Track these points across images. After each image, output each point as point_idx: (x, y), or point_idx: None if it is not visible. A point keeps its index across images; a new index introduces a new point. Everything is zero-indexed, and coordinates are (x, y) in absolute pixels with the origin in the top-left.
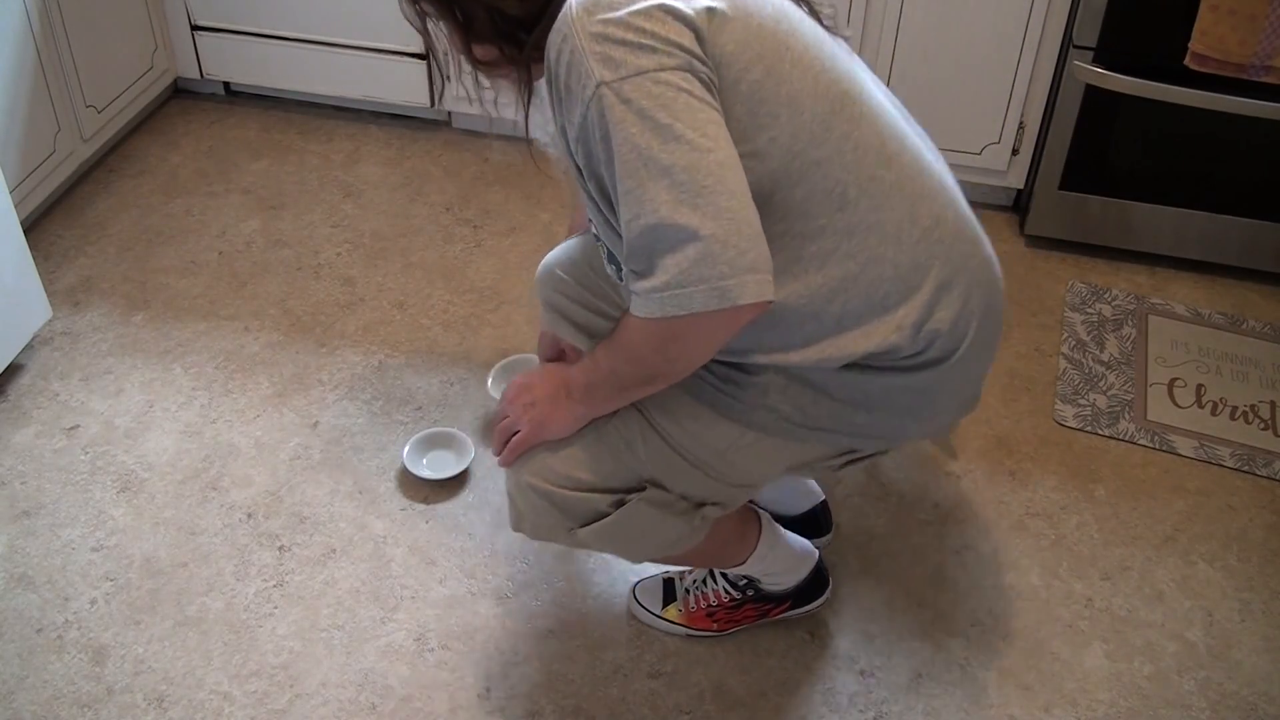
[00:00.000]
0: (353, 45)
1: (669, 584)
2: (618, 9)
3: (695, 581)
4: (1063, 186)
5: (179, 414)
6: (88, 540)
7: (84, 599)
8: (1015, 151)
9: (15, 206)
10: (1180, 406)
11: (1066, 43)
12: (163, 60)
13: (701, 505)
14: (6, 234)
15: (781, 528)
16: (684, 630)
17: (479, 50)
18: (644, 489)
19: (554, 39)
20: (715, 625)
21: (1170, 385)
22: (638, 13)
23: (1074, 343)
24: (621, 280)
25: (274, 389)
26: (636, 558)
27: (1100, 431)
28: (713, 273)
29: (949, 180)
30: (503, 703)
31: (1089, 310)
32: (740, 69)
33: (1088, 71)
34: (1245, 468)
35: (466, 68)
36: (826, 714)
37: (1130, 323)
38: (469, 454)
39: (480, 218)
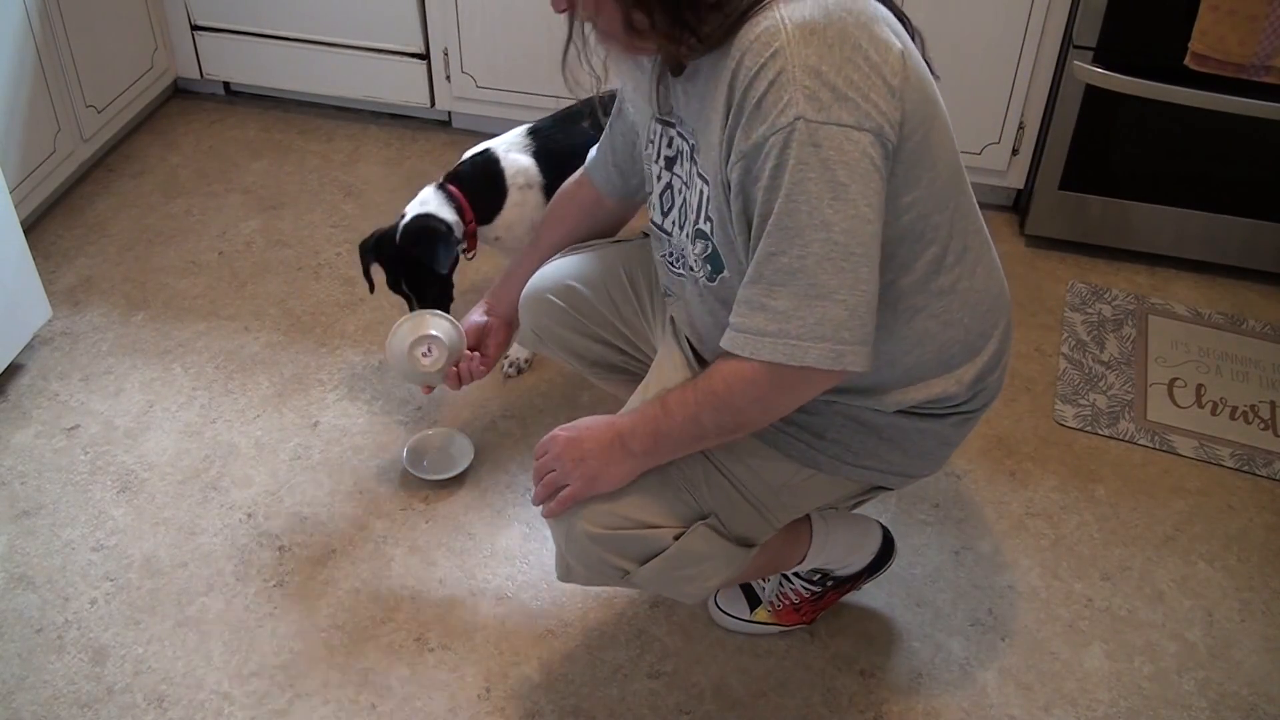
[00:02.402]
0: (353, 45)
1: (747, 588)
2: (833, 46)
3: (774, 587)
4: (1063, 186)
5: (179, 414)
6: (88, 540)
7: (84, 599)
8: (1015, 151)
9: (15, 206)
10: (1180, 406)
11: (1066, 43)
12: (163, 60)
13: (750, 545)
14: (6, 234)
15: (834, 514)
16: (778, 628)
17: (637, 16)
18: (706, 518)
19: (758, 48)
20: (805, 617)
21: (1170, 385)
22: (851, 61)
23: (1074, 343)
24: (689, 273)
25: (274, 389)
26: (694, 594)
27: (1100, 431)
28: (836, 336)
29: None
30: (502, 703)
31: (1089, 310)
32: (910, 130)
33: (1088, 71)
34: (1245, 468)
35: (588, 38)
36: (826, 714)
37: (1130, 323)
38: (469, 454)
39: None
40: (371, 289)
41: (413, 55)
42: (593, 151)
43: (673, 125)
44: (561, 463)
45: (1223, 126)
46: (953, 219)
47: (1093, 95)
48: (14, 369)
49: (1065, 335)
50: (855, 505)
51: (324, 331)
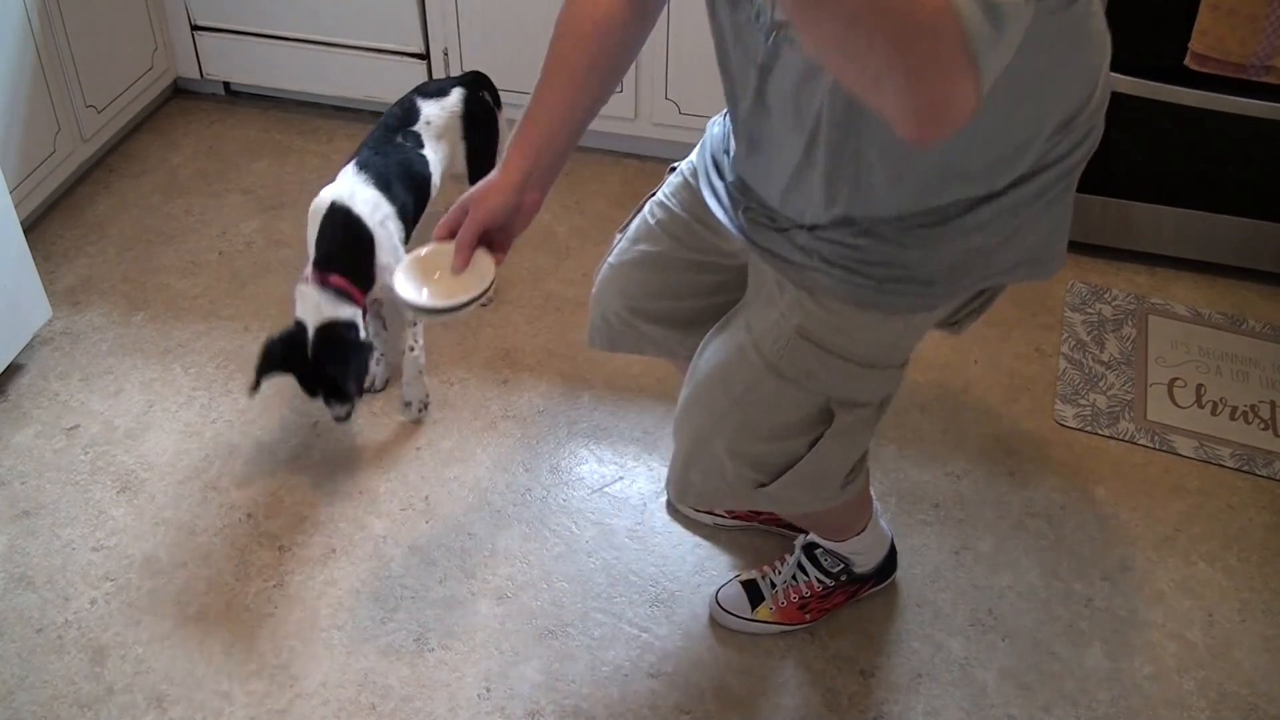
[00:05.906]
0: (353, 45)
1: (750, 585)
2: None
3: (786, 578)
4: None
5: (179, 414)
6: (88, 540)
7: (84, 599)
8: None
9: (15, 206)
10: (1180, 406)
11: None
12: (163, 60)
13: (884, 403)
14: (6, 234)
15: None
16: (778, 628)
17: None
18: (830, 422)
19: None
20: (808, 616)
21: (1170, 385)
22: None
23: (1074, 343)
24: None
25: (274, 389)
26: (822, 498)
27: (1100, 431)
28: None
29: None
30: (503, 703)
31: (1089, 310)
32: None
33: None
34: (1245, 468)
35: None
36: (826, 714)
37: (1130, 323)
38: (489, 275)
39: None
40: (255, 390)
41: (413, 55)
42: None
43: None
44: None
45: (1223, 126)
46: None
47: None
48: (14, 369)
49: (1065, 335)
50: (966, 318)
51: None
